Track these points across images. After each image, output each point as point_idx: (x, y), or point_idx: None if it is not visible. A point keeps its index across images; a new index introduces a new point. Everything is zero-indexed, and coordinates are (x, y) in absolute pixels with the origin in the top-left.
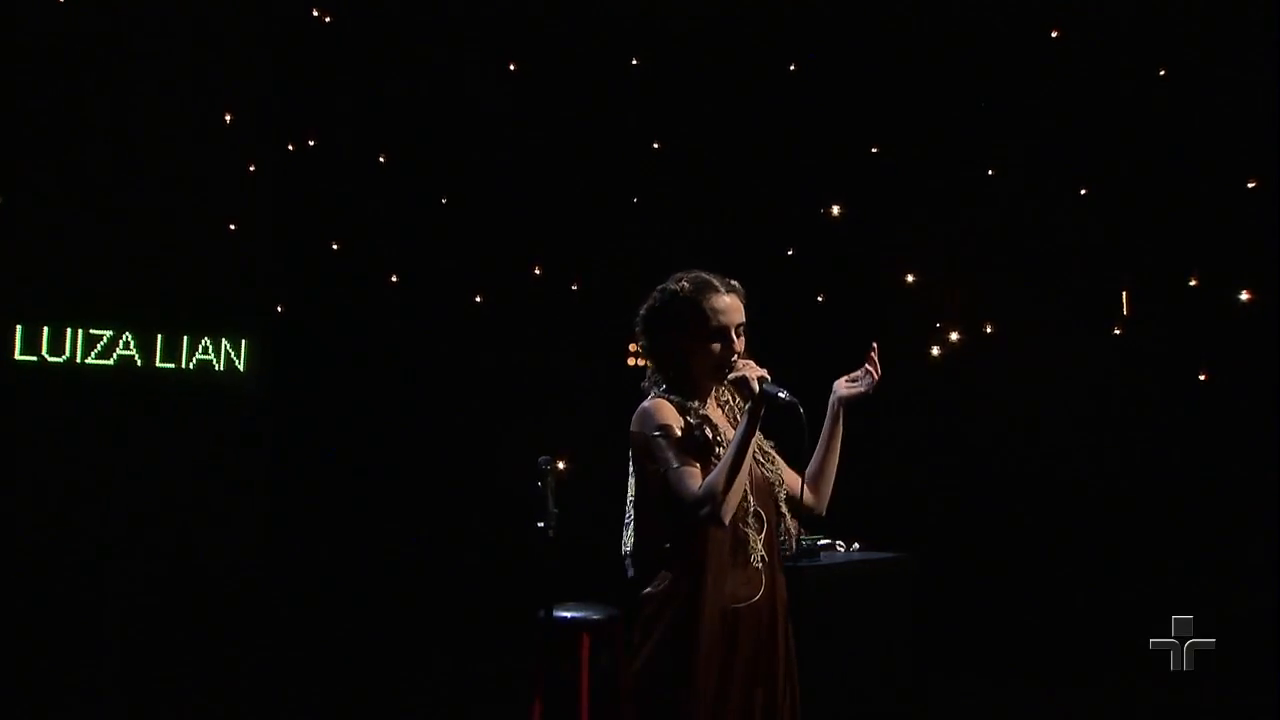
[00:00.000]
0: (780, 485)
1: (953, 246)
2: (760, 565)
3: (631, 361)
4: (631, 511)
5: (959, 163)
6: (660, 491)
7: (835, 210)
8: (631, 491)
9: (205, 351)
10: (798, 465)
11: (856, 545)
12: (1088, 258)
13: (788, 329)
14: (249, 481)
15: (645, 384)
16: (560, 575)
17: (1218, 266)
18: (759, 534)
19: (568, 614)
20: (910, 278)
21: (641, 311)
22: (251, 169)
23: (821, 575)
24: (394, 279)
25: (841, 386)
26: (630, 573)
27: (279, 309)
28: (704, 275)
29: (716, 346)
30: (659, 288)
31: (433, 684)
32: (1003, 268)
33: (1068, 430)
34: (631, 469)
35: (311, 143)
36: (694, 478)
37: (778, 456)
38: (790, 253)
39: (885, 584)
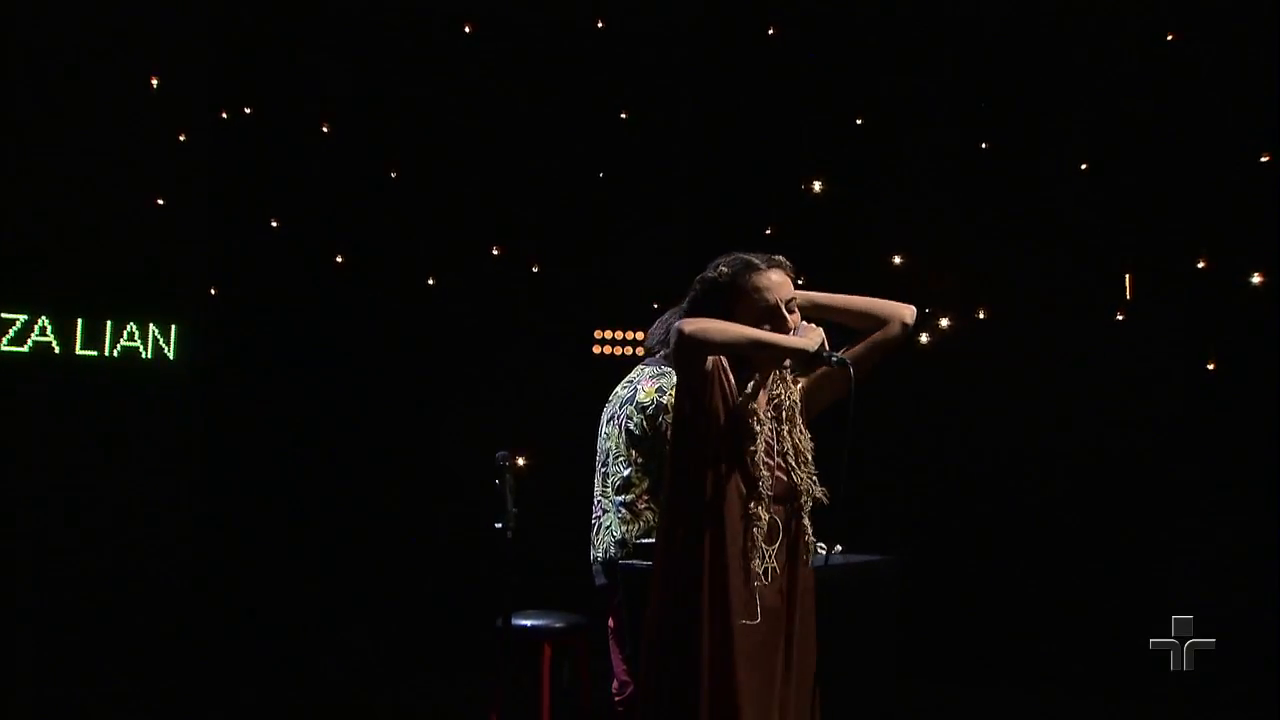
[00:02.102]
0: (807, 497)
1: (943, 226)
2: (768, 580)
3: (598, 349)
4: (603, 507)
5: (950, 135)
6: (694, 437)
7: (816, 185)
8: (601, 488)
9: (131, 338)
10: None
11: (839, 548)
12: (1089, 238)
13: None
14: (180, 481)
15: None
16: (519, 580)
17: (1228, 247)
18: (771, 545)
19: (527, 622)
20: (897, 259)
21: (684, 306)
22: (182, 138)
23: None
24: (340, 259)
25: None
26: (599, 580)
27: (212, 291)
28: (742, 255)
29: (768, 327)
30: (697, 279)
31: (380, 697)
32: (997, 249)
33: (1065, 423)
34: (611, 460)
35: (248, 109)
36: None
37: (811, 462)
38: (768, 232)
39: (869, 589)
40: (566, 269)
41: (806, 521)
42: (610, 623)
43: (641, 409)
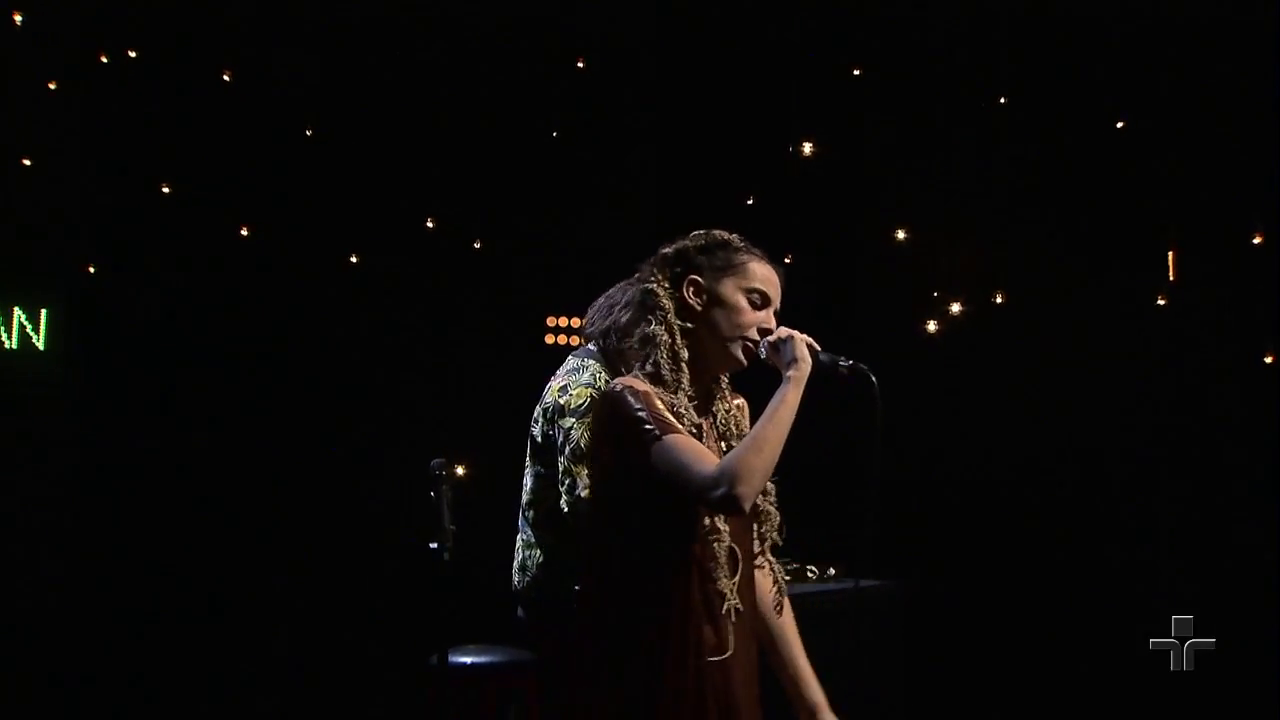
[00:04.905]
0: (769, 519)
1: (955, 195)
2: (733, 617)
3: (550, 339)
4: (531, 534)
5: (963, 88)
6: (627, 486)
7: (807, 148)
8: (530, 496)
9: None
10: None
11: (832, 571)
12: (1125, 209)
13: None
14: (51, 491)
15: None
16: (458, 610)
17: None
18: (731, 577)
19: (467, 659)
20: (901, 234)
21: (636, 296)
22: (52, 86)
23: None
24: (245, 232)
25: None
26: (524, 613)
27: (90, 270)
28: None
29: (752, 332)
30: (655, 258)
31: None
32: (1018, 222)
33: (1096, 426)
34: (538, 472)
35: (133, 53)
36: (700, 450)
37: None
38: (750, 201)
39: (869, 619)
40: (514, 244)
41: (768, 550)
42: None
43: (544, 411)
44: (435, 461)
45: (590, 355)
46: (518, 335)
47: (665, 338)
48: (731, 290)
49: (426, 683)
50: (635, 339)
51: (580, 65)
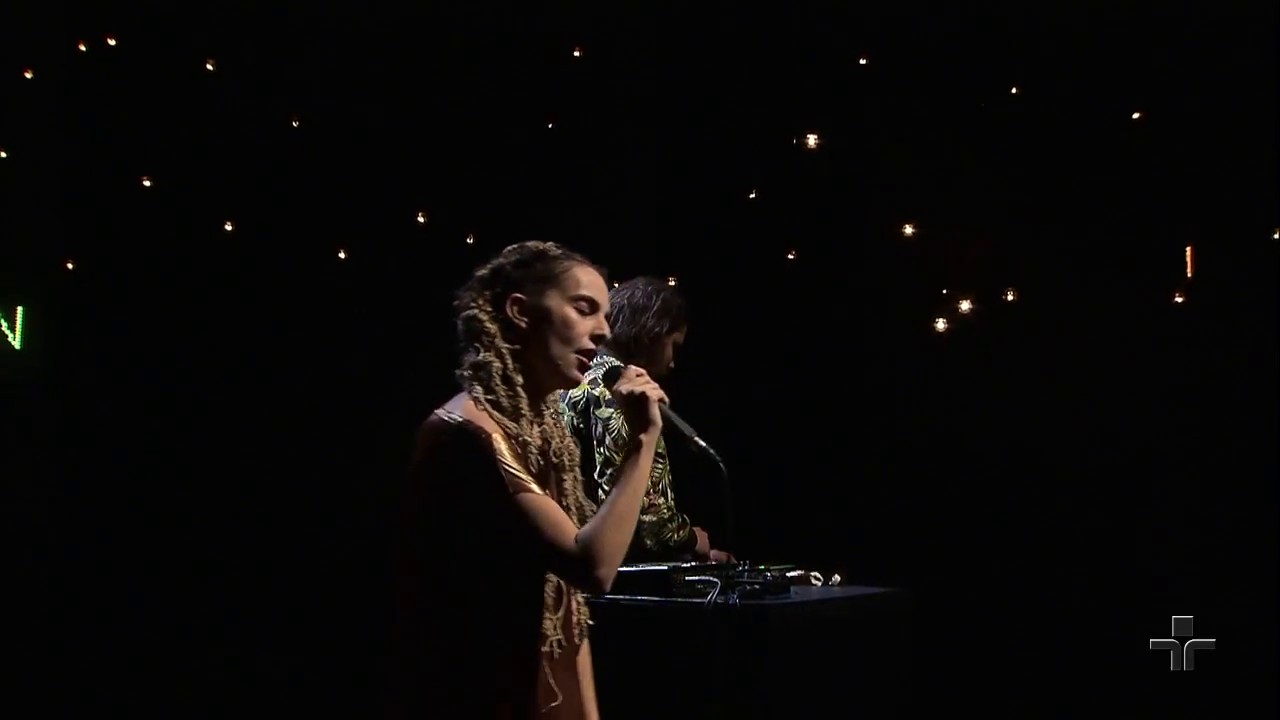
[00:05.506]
0: None
1: (965, 188)
2: (557, 656)
3: None
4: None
5: (973, 76)
6: (461, 531)
7: (811, 140)
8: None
9: None
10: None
11: (837, 577)
12: (1141, 202)
13: (749, 296)
14: (30, 494)
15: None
16: None
17: None
18: (555, 613)
19: None
20: (909, 229)
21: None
22: (29, 75)
23: (792, 616)
24: (228, 226)
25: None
26: None
27: (67, 265)
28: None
29: (575, 345)
30: (483, 272)
31: None
32: (1030, 216)
33: (1112, 429)
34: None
35: (113, 41)
36: (557, 517)
37: (585, 501)
38: (752, 196)
39: (874, 627)
40: (509, 240)
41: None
42: None
43: (572, 405)
44: None
45: (603, 352)
46: None
47: (497, 364)
48: (558, 302)
49: None
50: (465, 368)
51: (577, 54)
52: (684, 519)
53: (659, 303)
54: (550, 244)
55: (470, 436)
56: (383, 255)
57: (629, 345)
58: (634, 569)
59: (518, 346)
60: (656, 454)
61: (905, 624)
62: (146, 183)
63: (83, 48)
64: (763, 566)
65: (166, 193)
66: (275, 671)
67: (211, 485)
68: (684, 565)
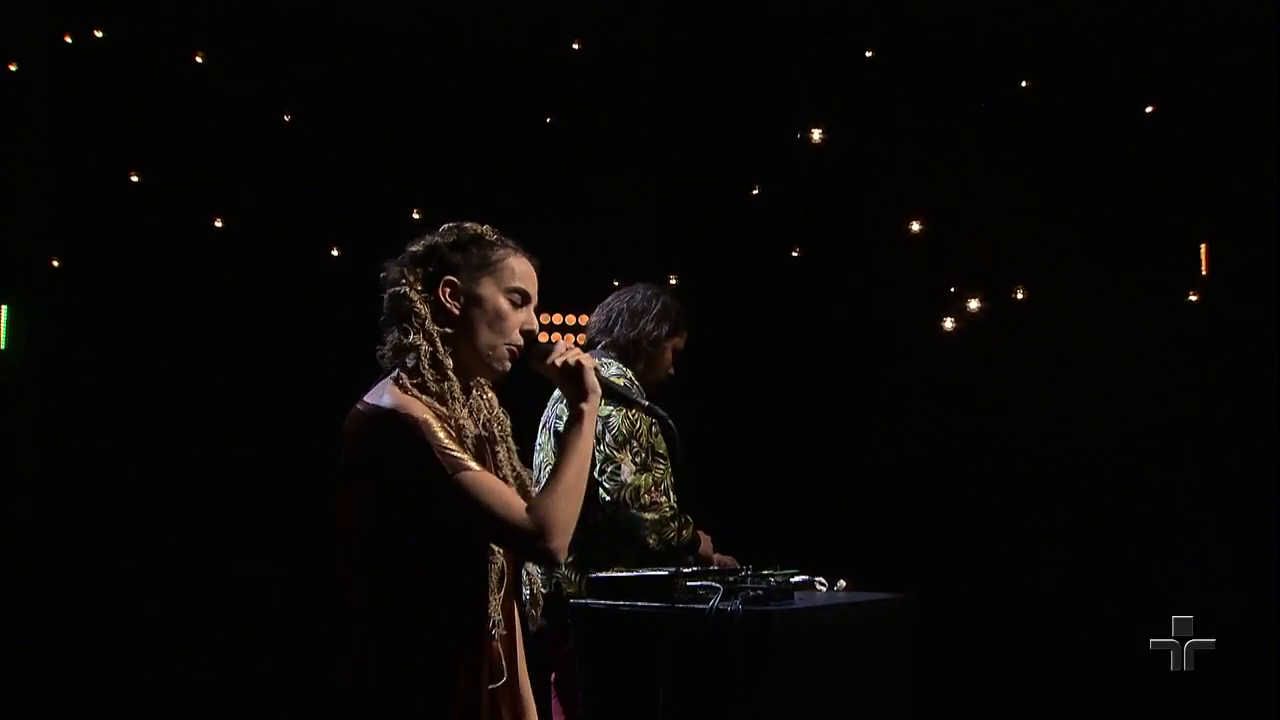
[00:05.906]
0: None
1: (973, 184)
2: (498, 639)
3: (544, 337)
4: None
5: (981, 70)
6: (399, 518)
7: (815, 135)
8: None
9: None
10: None
11: (842, 583)
12: (1154, 199)
13: (752, 293)
14: (9, 491)
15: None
16: None
17: None
18: (498, 592)
19: None
20: (915, 225)
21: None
22: (13, 67)
23: (796, 622)
24: (218, 223)
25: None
26: (542, 616)
27: (53, 264)
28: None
29: (508, 326)
30: (408, 253)
31: None
32: (1040, 213)
33: (1125, 430)
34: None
35: (100, 33)
36: (502, 491)
37: (523, 470)
38: (755, 192)
39: (879, 633)
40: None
41: (530, 567)
42: (553, 676)
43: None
44: None
45: (604, 354)
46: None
47: (426, 348)
48: (491, 291)
49: None
50: (389, 348)
51: (576, 47)
52: (687, 519)
53: (658, 307)
54: (487, 227)
55: (401, 422)
56: (376, 253)
57: (628, 349)
58: (635, 574)
59: (448, 330)
60: (657, 455)
61: (910, 630)
62: (134, 178)
63: (68, 40)
64: (766, 572)
65: (154, 189)
66: (269, 672)
67: (199, 485)
68: (686, 570)
